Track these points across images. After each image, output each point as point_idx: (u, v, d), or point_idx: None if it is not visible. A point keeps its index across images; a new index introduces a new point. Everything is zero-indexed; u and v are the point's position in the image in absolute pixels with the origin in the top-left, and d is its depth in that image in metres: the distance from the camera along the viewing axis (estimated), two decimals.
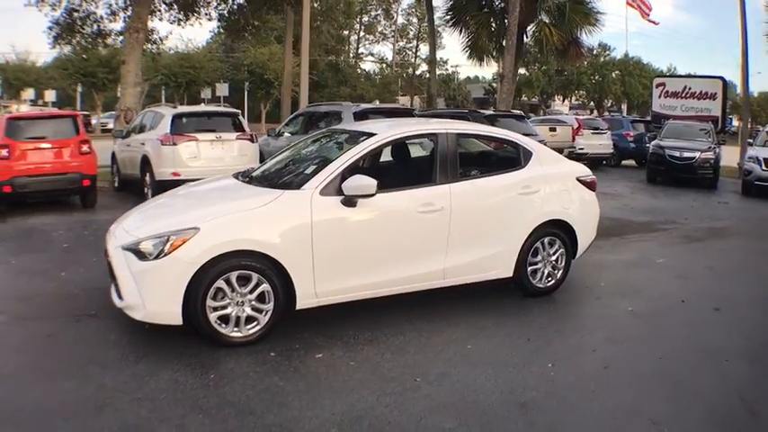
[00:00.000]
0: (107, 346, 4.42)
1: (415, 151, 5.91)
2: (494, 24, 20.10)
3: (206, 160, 10.25)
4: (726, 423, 3.51)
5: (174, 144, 9.98)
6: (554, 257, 5.64)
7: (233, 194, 4.84)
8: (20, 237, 8.46)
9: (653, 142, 16.82)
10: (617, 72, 58.26)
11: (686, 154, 15.43)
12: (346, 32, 58.42)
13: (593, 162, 19.61)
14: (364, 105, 12.55)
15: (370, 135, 4.92)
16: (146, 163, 10.60)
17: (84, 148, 10.17)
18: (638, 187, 15.26)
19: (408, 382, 3.83)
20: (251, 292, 4.32)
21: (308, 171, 4.73)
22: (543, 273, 5.60)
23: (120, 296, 4.42)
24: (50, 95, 46.11)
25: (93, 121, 40.49)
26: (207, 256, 4.15)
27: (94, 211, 10.21)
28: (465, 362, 4.16)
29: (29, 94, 45.73)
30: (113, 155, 12.97)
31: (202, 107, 12.45)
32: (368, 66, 61.64)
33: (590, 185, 5.94)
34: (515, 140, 5.57)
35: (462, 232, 4.99)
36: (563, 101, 62.22)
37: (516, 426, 3.34)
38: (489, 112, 13.71)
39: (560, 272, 5.72)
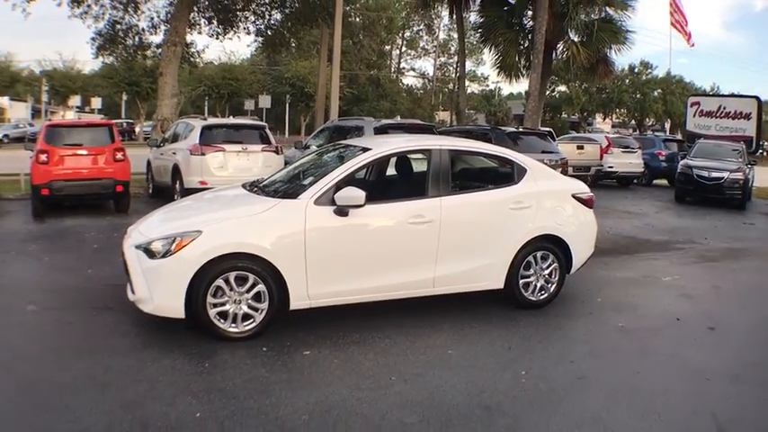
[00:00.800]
0: (118, 335, 4.89)
1: (411, 166, 6.20)
2: (522, 43, 20.28)
3: (232, 170, 10.73)
4: None
5: (203, 154, 10.50)
6: (547, 271, 5.83)
7: (237, 202, 5.22)
8: (54, 236, 9.06)
9: (682, 162, 16.68)
10: (659, 90, 57.29)
11: (714, 174, 15.26)
12: (388, 47, 59.19)
13: (623, 180, 19.61)
14: (385, 121, 12.92)
15: (365, 150, 5.24)
16: (176, 171, 11.15)
17: (119, 155, 10.79)
18: (664, 206, 15.18)
19: (384, 380, 4.10)
20: (248, 291, 4.68)
21: (306, 182, 5.09)
22: (536, 286, 5.79)
23: (132, 291, 4.85)
24: (96, 103, 48.04)
25: (137, 130, 42.11)
26: (208, 257, 4.53)
27: (127, 215, 10.76)
28: (442, 365, 4.40)
29: (75, 100, 47.69)
30: (148, 163, 13.62)
31: (231, 120, 12.95)
32: (409, 80, 62.27)
33: (586, 202, 6.12)
34: (509, 157, 5.81)
35: (452, 244, 5.25)
36: (604, 119, 61.46)
37: (475, 426, 3.56)
38: (511, 129, 13.90)
39: (554, 286, 5.90)
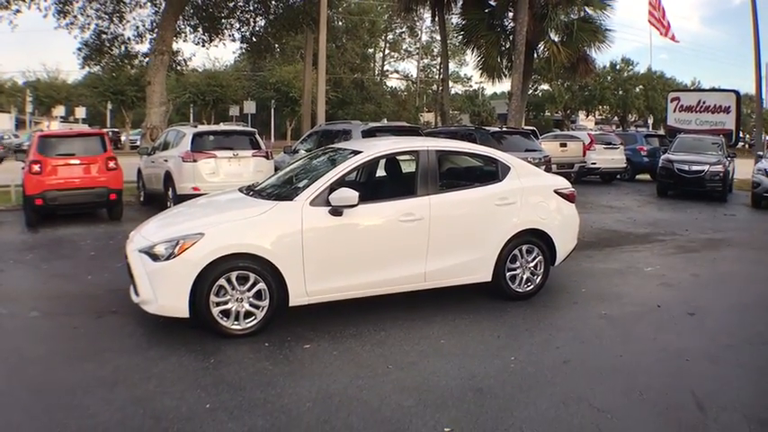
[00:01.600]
0: (124, 336, 5.07)
1: (401, 167, 6.47)
2: (503, 44, 20.63)
3: (224, 176, 10.92)
4: (670, 414, 3.76)
5: (195, 161, 10.70)
6: (532, 264, 6.11)
7: (235, 205, 5.45)
8: (50, 245, 9.18)
9: (663, 156, 17.00)
10: (640, 87, 57.83)
11: (695, 167, 15.54)
12: (371, 50, 59.36)
13: (606, 176, 19.96)
14: (372, 124, 13.18)
15: (357, 153, 5.51)
16: (168, 178, 11.32)
17: (111, 164, 10.95)
18: (646, 201, 15.48)
19: (381, 368, 4.35)
20: (249, 290, 4.91)
21: (301, 185, 5.34)
22: (522, 278, 6.07)
23: (136, 293, 5.06)
24: (81, 112, 47.78)
25: (123, 138, 41.99)
26: (210, 258, 4.76)
27: (120, 222, 10.94)
28: (436, 354, 4.66)
29: (60, 110, 47.40)
30: (139, 171, 13.76)
31: (221, 126, 13.11)
32: (393, 83, 62.50)
33: (568, 197, 6.41)
34: (493, 156, 6.10)
35: (441, 240, 5.51)
36: (587, 116, 61.96)
37: (468, 406, 3.82)
38: (495, 129, 14.22)
39: (539, 277, 6.18)
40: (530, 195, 6.05)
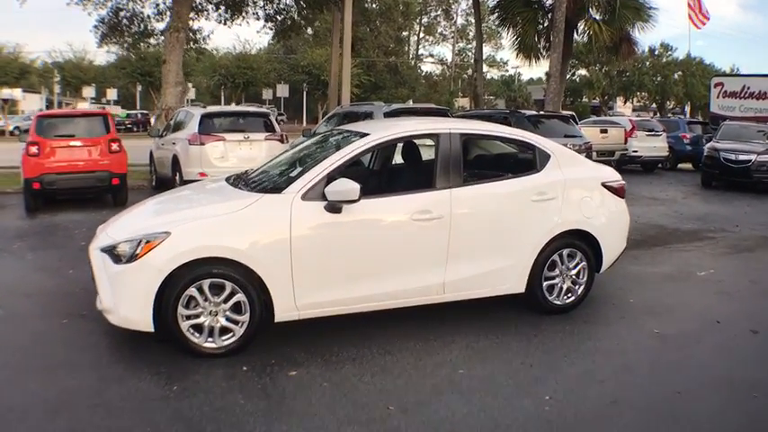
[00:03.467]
0: (85, 348, 4.35)
1: (420, 154, 5.49)
2: (541, 22, 19.33)
3: (235, 160, 10.11)
4: None
5: (202, 144, 9.91)
6: (574, 271, 5.12)
7: (213, 198, 4.60)
8: (43, 233, 8.54)
9: (708, 144, 15.86)
10: (679, 73, 56.01)
11: (742, 157, 14.37)
12: (405, 33, 58.32)
13: (648, 165, 18.69)
14: (396, 105, 12.19)
15: (363, 135, 4.55)
16: (176, 162, 10.59)
17: (114, 146, 10.27)
18: (691, 192, 14.41)
19: (380, 410, 3.43)
20: (225, 301, 4.05)
21: (294, 174, 4.41)
22: (561, 288, 5.08)
23: (99, 299, 4.25)
24: (112, 94, 47.77)
25: (152, 120, 41.74)
26: (177, 262, 3.91)
27: (125, 209, 10.23)
28: (451, 389, 3.72)
29: (89, 92, 47.50)
30: (151, 153, 13.10)
31: (233, 107, 12.33)
32: (427, 67, 61.40)
33: (618, 192, 5.37)
34: (530, 141, 5.07)
35: (465, 243, 4.56)
36: (624, 102, 60.13)
37: None
38: (532, 112, 13.06)
39: (581, 287, 5.19)
40: (573, 189, 5.03)
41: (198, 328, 4.06)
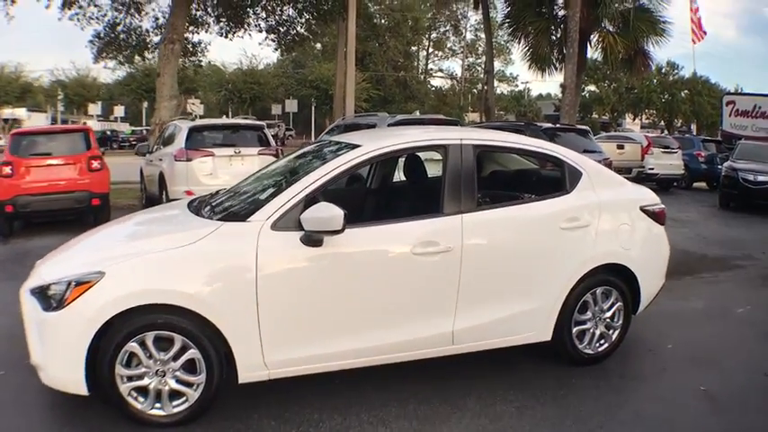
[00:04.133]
0: (11, 410, 3.53)
1: (424, 171, 4.61)
2: (554, 32, 18.56)
3: (226, 177, 9.23)
4: None
5: (189, 160, 9.11)
6: (609, 313, 4.23)
7: (164, 228, 3.76)
8: (11, 261, 7.73)
9: (725, 164, 15.13)
10: (686, 91, 56.22)
11: (761, 177, 13.66)
12: (414, 48, 58.12)
13: (664, 183, 17.81)
14: (401, 116, 11.36)
15: (353, 147, 3.69)
16: (162, 180, 9.79)
17: (95, 164, 9.49)
18: (710, 213, 13.68)
19: None
20: (175, 358, 3.20)
21: (264, 196, 3.56)
22: (594, 334, 4.20)
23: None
24: (119, 111, 47.31)
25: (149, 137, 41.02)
26: (111, 311, 3.08)
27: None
28: None
29: (96, 109, 47.10)
30: (141, 171, 12.34)
31: (224, 120, 11.56)
32: (437, 82, 61.20)
33: (658, 217, 4.49)
34: (558, 155, 4.18)
35: (479, 282, 3.69)
36: (633, 119, 59.82)
37: None
38: (547, 125, 12.21)
39: (616, 332, 4.30)
40: (609, 214, 4.15)
41: (142, 391, 3.21)
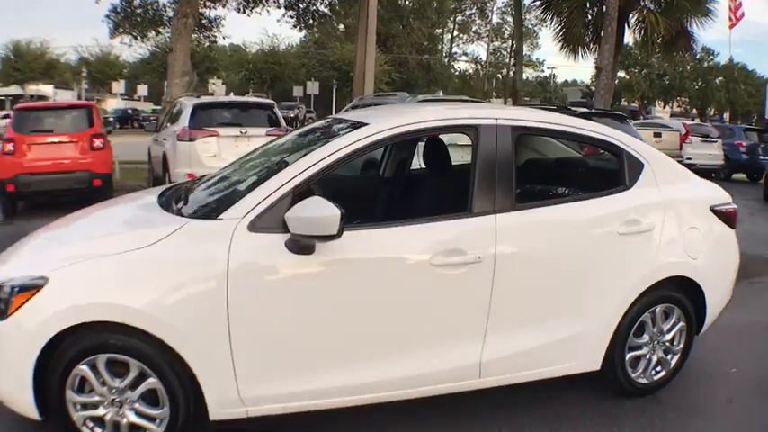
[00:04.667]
0: None
1: (448, 159, 3.81)
2: (589, 11, 17.47)
3: (230, 159, 8.52)
4: None
5: (192, 140, 8.44)
6: (669, 335, 3.50)
7: (120, 223, 3.07)
8: (8, 244, 7.19)
9: None
10: (721, 78, 54.65)
11: None
12: (439, 31, 57.09)
13: (702, 174, 16.80)
14: (422, 96, 10.58)
15: (357, 127, 2.95)
16: (166, 161, 9.19)
17: (97, 142, 9.00)
18: (755, 208, 12.70)
19: None
20: (132, 387, 2.55)
21: (244, 187, 2.86)
22: (650, 361, 3.47)
23: None
24: (143, 90, 46.94)
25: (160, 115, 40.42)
26: (55, 326, 2.46)
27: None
28: None
29: (119, 87, 46.89)
30: (149, 151, 11.76)
31: (231, 98, 10.89)
32: (461, 66, 60.15)
33: (729, 219, 3.71)
34: (616, 143, 3.39)
35: (516, 301, 2.97)
36: (664, 107, 58.21)
37: None
38: (582, 109, 11.32)
39: (676, 357, 3.57)
40: (675, 216, 3.38)
41: (99, 422, 2.60)
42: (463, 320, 2.89)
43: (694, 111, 57.65)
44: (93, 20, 52.57)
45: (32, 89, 42.35)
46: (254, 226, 2.55)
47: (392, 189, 4.04)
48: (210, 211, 2.69)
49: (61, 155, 8.71)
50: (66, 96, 48.66)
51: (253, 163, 3.44)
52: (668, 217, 3.33)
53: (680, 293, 3.47)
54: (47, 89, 45.42)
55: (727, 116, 55.10)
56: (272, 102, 9.91)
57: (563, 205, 3.20)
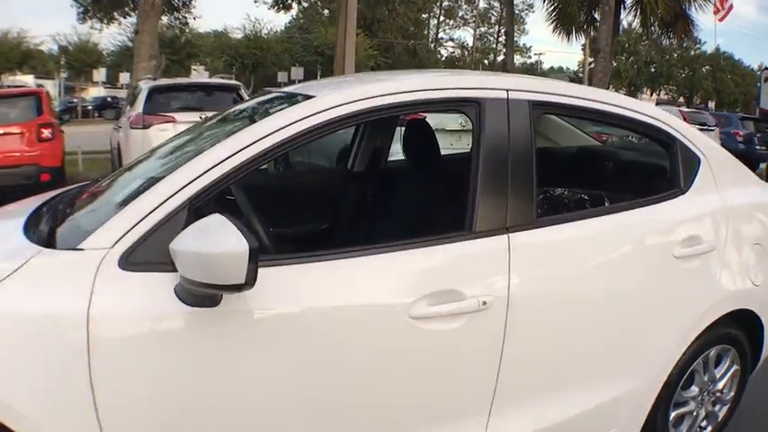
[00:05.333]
0: None
1: (428, 146, 2.78)
2: None
3: None
4: None
5: (146, 127, 7.52)
6: (720, 384, 2.66)
7: None
8: None
9: None
10: (707, 67, 54.98)
11: None
12: (425, 16, 56.30)
13: None
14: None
15: (297, 101, 2.01)
16: (120, 151, 8.27)
17: (46, 133, 8.05)
18: None
19: None
20: None
21: (121, 198, 1.88)
22: (696, 417, 2.63)
23: None
24: (124, 77, 45.66)
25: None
26: None
27: None
28: None
29: (100, 75, 45.69)
30: (110, 141, 10.81)
31: (192, 79, 9.94)
32: (448, 51, 59.59)
33: None
34: (669, 129, 2.44)
35: (536, 363, 2.07)
36: (651, 94, 58.28)
37: None
38: None
39: (725, 408, 2.74)
40: (739, 230, 2.51)
41: None
42: (457, 398, 1.98)
43: (681, 98, 57.67)
44: (71, 8, 51.19)
45: (11, 79, 41.12)
46: (129, 260, 1.62)
47: (362, 189, 3.09)
48: (70, 236, 1.74)
49: (4, 148, 7.78)
50: (47, 86, 47.30)
51: (160, 158, 2.44)
52: (731, 231, 2.46)
53: (738, 330, 2.63)
54: (27, 79, 44.31)
55: (712, 105, 55.25)
56: (237, 83, 9.03)
57: (601, 219, 2.23)
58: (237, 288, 1.51)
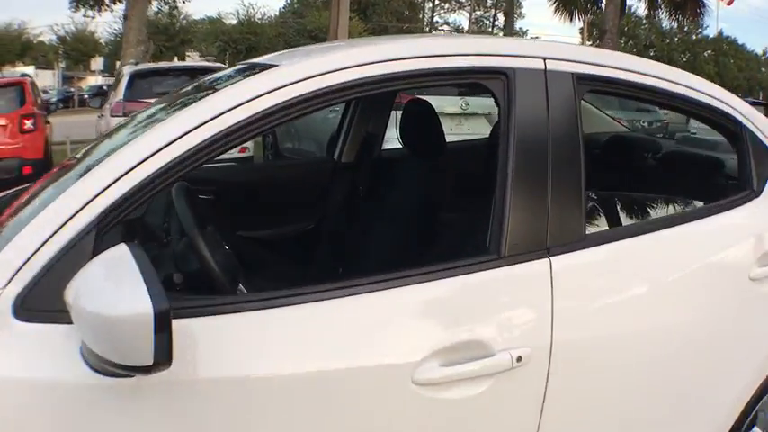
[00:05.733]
0: None
1: (431, 137, 2.26)
2: None
3: None
4: None
5: (125, 115, 7.05)
6: None
7: None
8: None
9: None
10: (710, 52, 54.53)
11: None
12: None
13: None
14: None
15: (255, 72, 1.51)
16: None
17: (28, 124, 7.71)
18: None
19: None
20: None
21: (27, 216, 1.31)
22: None
23: None
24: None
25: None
26: None
27: None
28: None
29: (98, 64, 45.62)
30: (96, 131, 10.41)
31: (175, 63, 9.50)
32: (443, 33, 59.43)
33: None
34: (737, 115, 1.88)
35: (583, 422, 1.55)
36: None
37: None
38: None
39: None
40: None
41: None
42: None
43: None
44: None
45: (11, 71, 41.36)
46: (27, 305, 1.14)
47: (351, 183, 2.61)
48: None
49: None
50: (47, 76, 47.30)
51: (91, 158, 1.83)
52: None
53: None
54: (28, 70, 44.60)
55: None
56: (220, 65, 8.56)
57: (661, 233, 1.68)
58: (145, 370, 1.03)
